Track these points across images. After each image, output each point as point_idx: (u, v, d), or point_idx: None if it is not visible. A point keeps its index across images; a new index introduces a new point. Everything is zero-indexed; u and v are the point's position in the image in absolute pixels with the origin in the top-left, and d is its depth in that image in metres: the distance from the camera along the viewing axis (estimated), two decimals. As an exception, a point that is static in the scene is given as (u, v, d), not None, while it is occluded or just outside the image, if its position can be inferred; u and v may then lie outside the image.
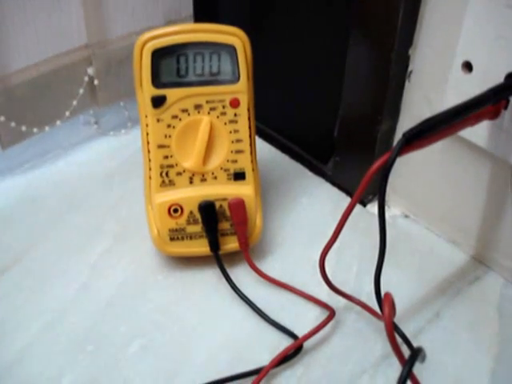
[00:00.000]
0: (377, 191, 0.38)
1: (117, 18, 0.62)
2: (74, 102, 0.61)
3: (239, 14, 0.66)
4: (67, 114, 0.61)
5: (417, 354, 0.34)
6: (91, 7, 0.59)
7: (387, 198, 0.58)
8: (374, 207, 0.59)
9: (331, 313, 0.46)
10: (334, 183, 0.61)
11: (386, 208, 0.58)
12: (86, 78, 0.61)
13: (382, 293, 0.39)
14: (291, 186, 0.61)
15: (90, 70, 0.61)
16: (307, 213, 0.58)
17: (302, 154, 0.64)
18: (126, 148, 0.65)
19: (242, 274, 0.50)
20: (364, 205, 0.59)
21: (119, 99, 0.65)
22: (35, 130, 0.59)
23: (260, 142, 0.66)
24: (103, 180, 0.61)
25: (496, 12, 0.43)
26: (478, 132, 0.46)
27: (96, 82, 0.62)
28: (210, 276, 0.50)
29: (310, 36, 0.59)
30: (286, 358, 0.43)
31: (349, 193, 0.60)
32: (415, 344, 0.44)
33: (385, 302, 0.34)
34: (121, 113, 0.67)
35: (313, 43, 0.59)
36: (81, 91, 0.61)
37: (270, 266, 0.51)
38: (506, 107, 0.44)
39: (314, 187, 0.61)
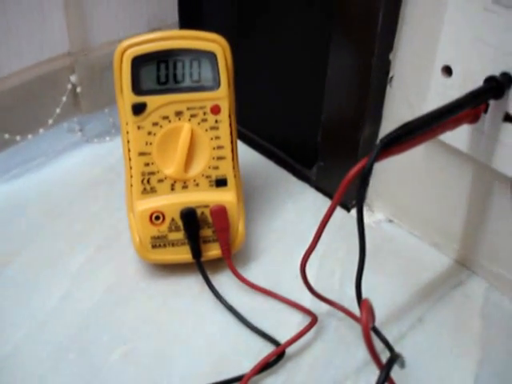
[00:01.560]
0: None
1: (100, 26, 0.62)
2: (57, 110, 0.61)
3: (224, 20, 0.66)
4: (50, 121, 0.61)
5: (394, 359, 0.34)
6: (74, 15, 0.59)
7: (371, 202, 0.58)
8: (358, 212, 0.58)
9: (313, 319, 0.46)
10: (318, 188, 0.61)
11: (370, 213, 0.58)
12: (69, 86, 0.61)
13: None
14: (275, 191, 0.61)
15: (73, 78, 0.61)
16: (291, 218, 0.58)
17: (286, 159, 0.64)
18: (111, 155, 0.65)
19: (224, 281, 0.50)
20: (348, 210, 0.59)
21: (103, 106, 0.65)
22: (18, 137, 0.59)
23: (244, 148, 0.66)
24: (87, 187, 0.60)
25: (474, 15, 0.43)
26: (459, 136, 0.46)
27: (79, 89, 0.62)
28: (193, 283, 0.50)
29: (292, 42, 0.59)
30: (268, 365, 0.43)
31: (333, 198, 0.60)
32: (397, 349, 0.44)
33: (362, 308, 0.34)
34: (105, 120, 0.67)
35: (295, 49, 0.59)
36: (64, 99, 0.61)
37: (253, 273, 0.51)
38: (485, 111, 0.44)
39: (298, 192, 0.61)
